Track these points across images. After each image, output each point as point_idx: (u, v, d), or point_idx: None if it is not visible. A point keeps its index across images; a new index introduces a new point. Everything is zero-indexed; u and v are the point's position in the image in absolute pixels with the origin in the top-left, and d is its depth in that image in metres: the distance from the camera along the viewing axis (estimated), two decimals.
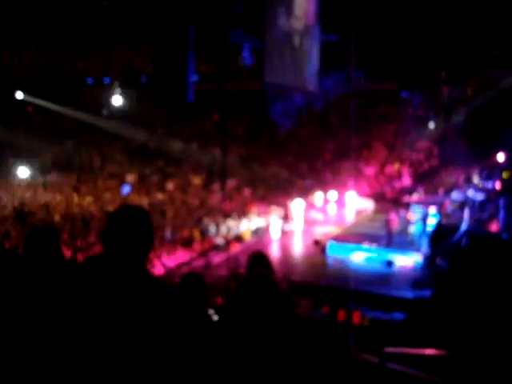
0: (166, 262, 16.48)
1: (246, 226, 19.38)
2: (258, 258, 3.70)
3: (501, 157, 21.10)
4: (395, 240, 16.77)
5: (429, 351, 5.10)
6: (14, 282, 2.68)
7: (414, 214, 18.08)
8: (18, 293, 2.58)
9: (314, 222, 20.25)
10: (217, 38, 22.48)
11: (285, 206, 20.48)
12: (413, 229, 17.55)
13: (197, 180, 22.55)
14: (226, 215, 19.83)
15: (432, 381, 4.57)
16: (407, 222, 17.79)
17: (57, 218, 18.63)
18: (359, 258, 16.30)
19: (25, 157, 21.44)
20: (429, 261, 15.18)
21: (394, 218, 17.57)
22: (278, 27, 20.47)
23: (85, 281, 2.14)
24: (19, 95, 21.59)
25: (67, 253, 14.98)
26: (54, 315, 2.14)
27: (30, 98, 21.90)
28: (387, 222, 17.36)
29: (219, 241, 18.32)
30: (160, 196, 21.02)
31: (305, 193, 21.54)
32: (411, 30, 22.78)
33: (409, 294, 13.54)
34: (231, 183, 22.36)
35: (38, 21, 20.13)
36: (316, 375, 2.19)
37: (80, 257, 14.46)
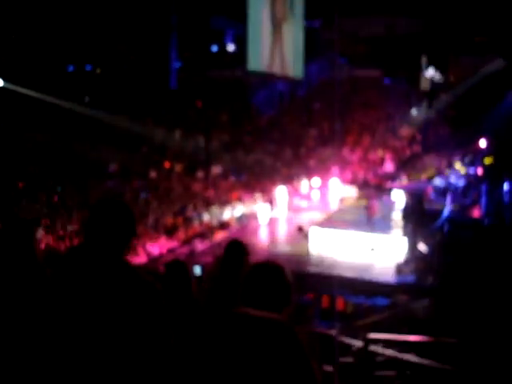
0: (149, 249, 16.45)
1: (230, 213, 19.38)
2: (236, 246, 3.69)
3: (483, 143, 21.26)
4: (378, 226, 16.87)
5: (412, 337, 5.16)
6: None
7: (397, 200, 18.18)
8: None
9: (297, 209, 20.30)
10: (199, 25, 22.38)
11: (269, 193, 20.50)
12: (395, 215, 17.66)
13: (179, 167, 22.46)
14: (210, 202, 19.81)
15: (416, 363, 4.62)
16: (390, 208, 17.90)
17: None
18: (342, 244, 16.38)
19: None
20: (411, 246, 15.29)
21: (376, 204, 17.68)
22: (261, 14, 20.38)
23: (64, 272, 2.13)
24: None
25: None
26: (30, 309, 2.12)
27: (10, 86, 21.63)
28: (368, 208, 17.47)
29: (203, 228, 18.31)
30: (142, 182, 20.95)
31: (289, 179, 21.57)
32: (393, 16, 22.83)
33: (391, 279, 13.66)
34: (215, 170, 22.32)
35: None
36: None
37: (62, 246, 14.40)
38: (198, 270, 13.54)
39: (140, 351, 2.03)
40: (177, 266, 3.64)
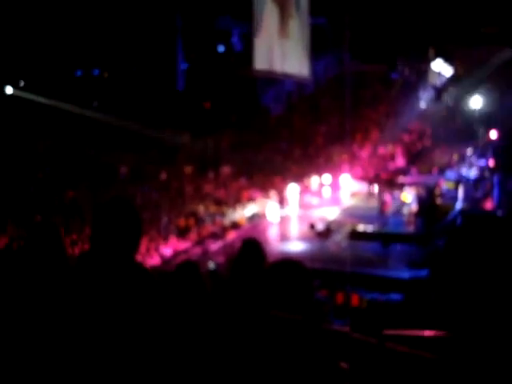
0: (162, 251, 16.50)
1: (242, 212, 19.40)
2: (251, 245, 3.67)
3: (493, 134, 21.13)
4: (390, 221, 16.84)
5: (427, 333, 5.13)
6: (11, 279, 2.68)
7: (409, 195, 18.13)
8: (14, 290, 2.59)
9: (309, 206, 20.28)
10: (205, 25, 22.36)
11: (280, 191, 20.50)
12: (407, 209, 17.60)
13: (190, 168, 22.51)
14: (221, 202, 19.84)
15: (431, 359, 4.61)
16: (402, 203, 17.84)
17: None
18: (355, 240, 16.35)
19: None
20: (424, 240, 15.24)
21: (388, 199, 17.63)
22: (267, 13, 20.37)
23: (76, 277, 2.15)
24: (8, 90, 21.47)
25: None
26: (45, 311, 2.14)
27: (18, 92, 21.76)
28: (381, 204, 17.43)
29: (215, 228, 18.34)
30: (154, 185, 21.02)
31: (299, 177, 21.55)
32: (399, 9, 22.72)
33: (405, 274, 13.61)
34: (225, 170, 22.34)
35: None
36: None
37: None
38: (212, 265, 13.66)
39: (151, 351, 2.05)
40: (188, 267, 3.64)
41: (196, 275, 3.59)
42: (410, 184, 19.46)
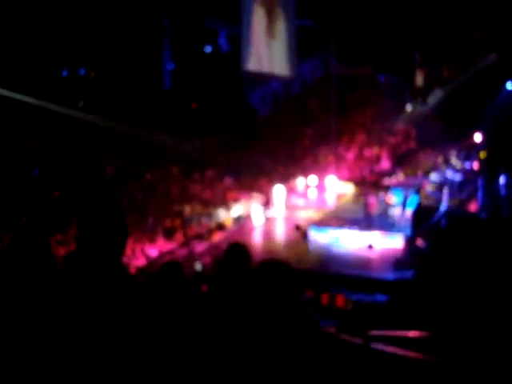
0: (148, 252, 16.46)
1: (227, 213, 19.39)
2: (236, 249, 3.65)
3: (478, 137, 21.31)
4: (375, 222, 16.90)
5: (412, 333, 5.18)
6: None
7: (394, 197, 18.22)
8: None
9: (295, 208, 20.32)
10: (192, 26, 22.34)
11: (266, 193, 20.52)
12: (393, 211, 17.69)
13: (176, 169, 22.47)
14: (207, 204, 19.82)
15: (416, 359, 4.64)
16: (387, 205, 17.93)
17: None
18: (340, 241, 16.41)
19: None
20: (409, 242, 15.33)
21: (373, 201, 17.71)
22: (254, 14, 20.41)
23: (62, 278, 2.15)
24: None
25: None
26: (30, 312, 2.14)
27: (4, 92, 21.60)
28: (366, 205, 17.50)
29: (201, 230, 18.32)
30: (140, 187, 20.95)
31: (285, 178, 21.59)
32: (385, 12, 22.85)
33: (390, 275, 13.68)
34: (211, 171, 22.33)
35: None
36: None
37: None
38: (199, 266, 13.68)
39: (135, 352, 2.05)
40: (172, 267, 3.64)
41: (179, 275, 3.58)
42: (395, 186, 19.57)
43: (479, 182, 17.37)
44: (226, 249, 3.62)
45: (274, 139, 24.39)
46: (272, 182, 21.06)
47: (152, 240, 17.16)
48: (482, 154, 19.86)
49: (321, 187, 21.75)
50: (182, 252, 16.77)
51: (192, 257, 15.93)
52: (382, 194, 18.91)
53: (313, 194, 21.66)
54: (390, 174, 22.39)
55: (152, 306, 2.20)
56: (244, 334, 2.13)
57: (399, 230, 16.25)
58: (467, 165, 20.76)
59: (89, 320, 2.04)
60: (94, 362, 2.01)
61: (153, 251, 16.60)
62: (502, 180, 16.49)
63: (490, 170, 17.89)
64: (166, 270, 3.61)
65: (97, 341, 2.03)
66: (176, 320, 3.02)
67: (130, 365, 2.04)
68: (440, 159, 22.07)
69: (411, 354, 4.66)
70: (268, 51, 22.38)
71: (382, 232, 16.19)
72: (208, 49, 24.40)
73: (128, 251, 15.28)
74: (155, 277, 3.62)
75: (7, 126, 20.56)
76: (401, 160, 23.46)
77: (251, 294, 2.21)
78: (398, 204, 17.69)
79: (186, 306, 3.41)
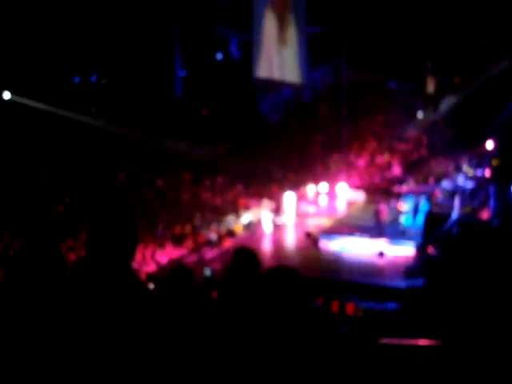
0: (158, 258, 16.48)
1: (238, 220, 19.39)
2: (243, 254, 3.60)
3: (490, 144, 21.19)
4: (386, 230, 16.83)
5: (423, 341, 5.14)
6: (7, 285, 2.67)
7: (405, 204, 18.15)
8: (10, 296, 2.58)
9: (305, 215, 20.27)
10: (203, 33, 22.44)
11: (276, 200, 20.49)
12: (404, 218, 17.61)
13: (187, 176, 22.51)
14: (218, 210, 19.83)
15: (427, 367, 4.61)
16: (398, 212, 17.85)
17: None
18: (351, 249, 16.35)
19: None
20: (420, 250, 15.25)
21: (384, 209, 17.64)
22: (265, 22, 20.47)
23: (72, 283, 2.15)
24: (6, 95, 21.47)
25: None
26: (40, 317, 2.14)
27: (17, 98, 21.76)
28: (377, 213, 17.43)
29: (211, 236, 18.32)
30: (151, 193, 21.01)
31: (296, 185, 21.55)
32: (396, 20, 22.83)
33: (401, 283, 13.61)
34: (222, 178, 22.35)
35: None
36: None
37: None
38: (208, 272, 13.68)
39: (144, 357, 2.05)
40: (180, 272, 3.62)
41: (188, 279, 3.57)
42: (407, 193, 19.48)
43: (491, 190, 17.27)
44: (232, 254, 3.59)
45: (284, 146, 24.38)
46: (282, 188, 21.03)
47: (162, 246, 17.19)
48: (494, 162, 19.73)
49: (331, 194, 21.69)
50: (192, 258, 16.78)
51: (202, 263, 15.94)
52: (393, 201, 18.83)
53: (323, 201, 21.60)
54: (401, 181, 22.29)
55: (161, 312, 2.19)
56: (255, 340, 2.12)
57: (410, 238, 16.17)
58: (479, 172, 20.63)
59: (98, 325, 2.04)
60: (102, 366, 2.01)
61: (163, 257, 16.62)
62: None
63: (502, 178, 17.77)
64: (174, 274, 3.60)
65: (106, 345, 2.03)
66: (184, 325, 3.01)
67: (139, 369, 2.04)
68: (451, 166, 21.96)
69: (423, 360, 4.62)
70: (279, 58, 22.42)
71: (393, 240, 16.12)
72: (219, 56, 24.49)
73: (138, 257, 15.31)
74: (164, 281, 3.61)
75: (19, 132, 20.71)
76: (412, 167, 23.36)
77: (261, 301, 2.20)
78: (409, 211, 17.61)
79: (194, 311, 3.40)
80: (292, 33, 22.41)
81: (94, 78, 24.46)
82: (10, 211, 17.53)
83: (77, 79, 24.19)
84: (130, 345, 2.04)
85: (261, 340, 2.11)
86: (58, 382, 2.03)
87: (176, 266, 3.84)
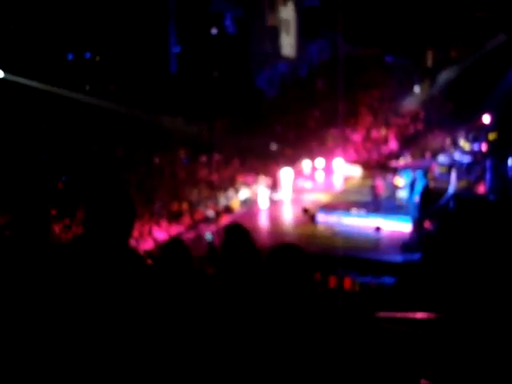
0: (156, 235, 16.50)
1: (235, 196, 19.40)
2: (235, 230, 3.57)
3: (486, 118, 21.14)
4: (383, 205, 16.86)
5: (419, 315, 5.17)
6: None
7: (401, 179, 18.15)
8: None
9: (302, 191, 20.29)
10: (198, 8, 22.21)
11: (273, 176, 20.49)
12: (400, 193, 17.63)
13: (183, 153, 22.44)
14: (215, 187, 19.82)
15: (424, 339, 4.65)
16: (395, 187, 17.86)
17: None
18: (348, 224, 16.39)
19: None
20: (417, 224, 15.28)
21: (381, 184, 17.64)
22: None
23: (69, 261, 2.15)
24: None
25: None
26: (36, 297, 2.14)
27: (10, 76, 21.57)
28: (373, 188, 17.44)
29: (209, 213, 18.35)
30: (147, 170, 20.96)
31: (293, 161, 21.53)
32: None
33: (398, 257, 13.67)
34: (218, 154, 22.29)
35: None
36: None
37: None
38: (209, 236, 13.83)
39: (144, 336, 2.05)
40: (175, 245, 3.62)
41: (183, 251, 3.57)
42: (403, 168, 19.47)
43: (487, 164, 17.25)
44: (223, 231, 3.55)
45: (280, 121, 24.30)
46: (279, 164, 21.01)
47: (159, 223, 17.20)
48: (491, 136, 19.71)
49: (328, 170, 21.69)
50: (190, 235, 16.81)
51: (199, 240, 15.97)
52: (389, 176, 18.85)
53: (320, 176, 21.60)
54: (397, 156, 22.28)
55: (160, 286, 2.19)
56: (259, 318, 2.13)
57: (407, 213, 16.20)
58: (475, 146, 20.62)
59: (96, 301, 2.04)
60: (100, 343, 2.02)
61: (160, 234, 16.65)
62: (510, 162, 16.38)
63: (498, 152, 17.75)
64: (170, 246, 3.61)
65: (104, 323, 2.03)
66: (183, 299, 3.01)
67: (137, 346, 2.04)
68: (448, 141, 21.94)
69: (420, 332, 4.66)
70: (274, 32, 22.25)
71: (390, 214, 16.15)
72: (214, 31, 24.27)
73: (135, 234, 15.33)
74: (160, 254, 3.61)
75: (14, 111, 20.57)
76: (408, 142, 23.33)
77: (266, 278, 2.21)
78: (406, 186, 17.61)
79: (191, 284, 3.40)
80: (287, 6, 22.22)
81: (87, 55, 24.24)
82: (5, 191, 17.47)
83: (70, 56, 23.96)
84: (130, 322, 2.05)
85: (263, 317, 2.11)
86: (54, 357, 2.03)
87: (172, 239, 3.84)
